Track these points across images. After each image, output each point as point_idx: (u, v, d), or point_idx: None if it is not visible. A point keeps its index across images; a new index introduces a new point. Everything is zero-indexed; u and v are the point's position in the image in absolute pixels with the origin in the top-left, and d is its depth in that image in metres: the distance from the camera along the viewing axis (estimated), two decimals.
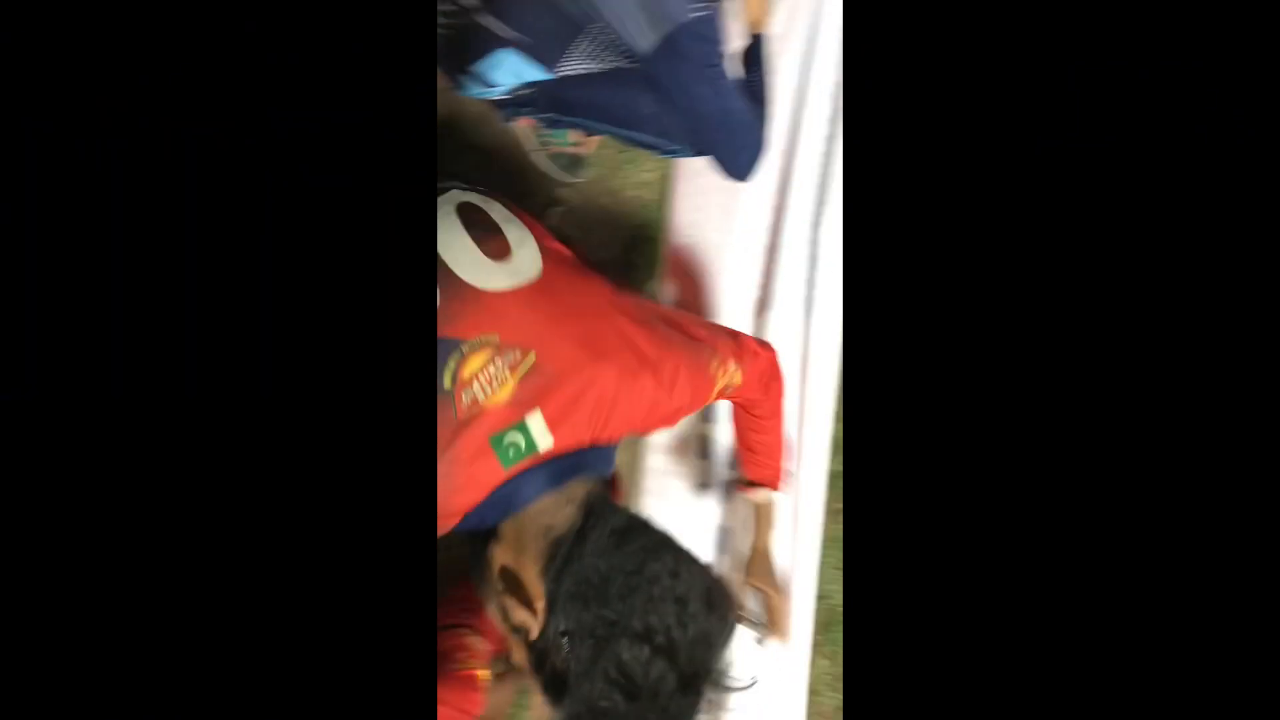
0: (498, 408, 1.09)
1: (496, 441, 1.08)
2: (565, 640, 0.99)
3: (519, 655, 1.06)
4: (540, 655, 1.02)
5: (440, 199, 1.24)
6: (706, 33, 1.33)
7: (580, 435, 1.13)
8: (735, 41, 1.55)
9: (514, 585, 1.06)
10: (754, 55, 1.58)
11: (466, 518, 1.10)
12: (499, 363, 1.09)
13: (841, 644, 1.93)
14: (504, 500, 1.09)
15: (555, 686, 0.99)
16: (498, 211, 1.25)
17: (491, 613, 1.11)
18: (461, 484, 1.08)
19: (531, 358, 1.10)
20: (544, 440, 1.10)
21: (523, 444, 1.09)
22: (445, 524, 1.09)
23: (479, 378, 1.08)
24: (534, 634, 1.02)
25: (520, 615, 1.03)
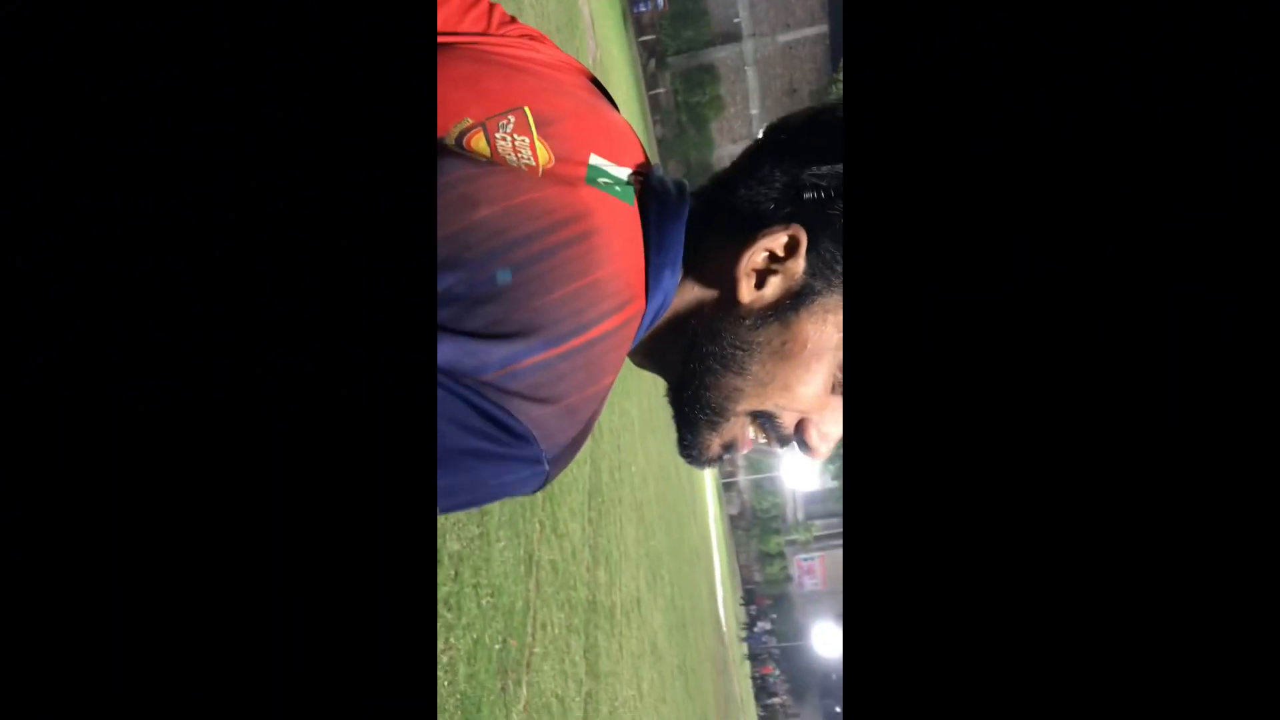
0: (553, 165, 0.85)
1: (595, 179, 0.85)
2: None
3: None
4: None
5: None
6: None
7: (637, 155, 0.92)
8: None
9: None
10: None
11: (650, 298, 0.85)
12: (503, 132, 0.86)
13: None
14: (669, 248, 0.86)
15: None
16: None
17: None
18: (623, 240, 0.83)
19: (526, 111, 0.87)
20: (621, 173, 0.87)
21: (612, 180, 0.86)
22: (629, 313, 0.83)
23: (505, 150, 0.85)
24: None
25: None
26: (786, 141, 0.87)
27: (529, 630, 4.50)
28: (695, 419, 0.89)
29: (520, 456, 0.78)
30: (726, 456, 0.94)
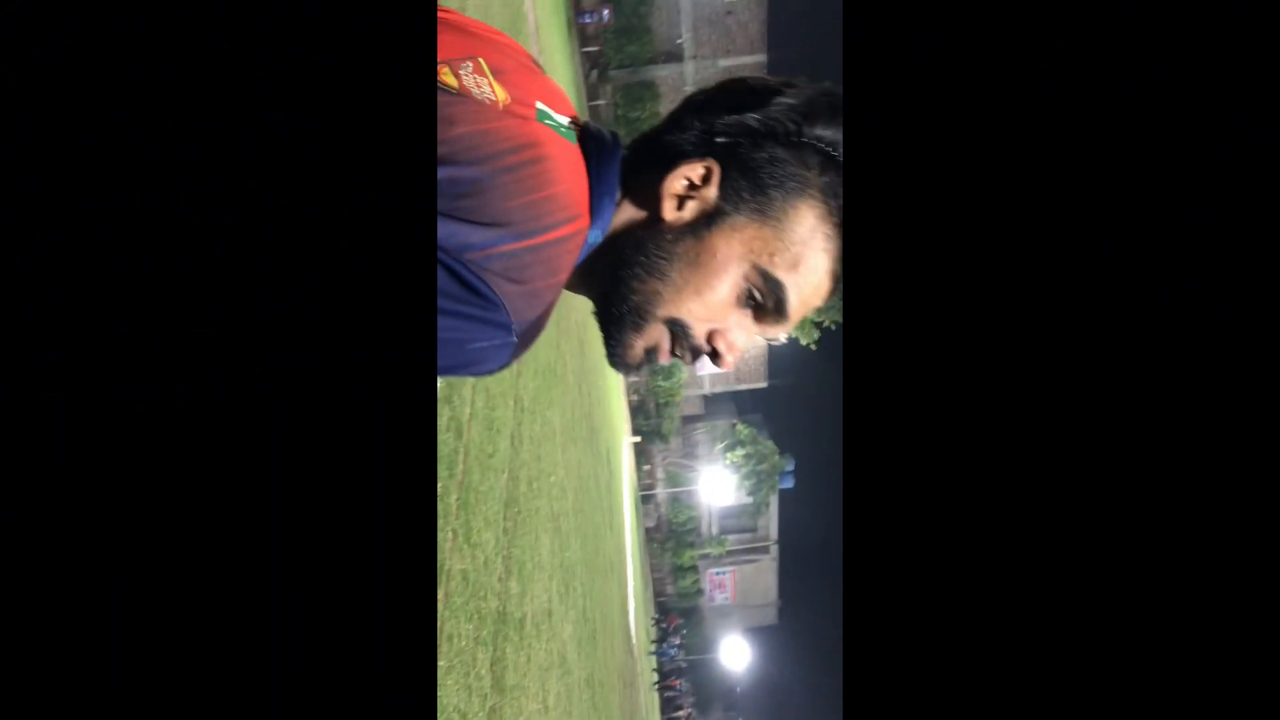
0: (509, 103, 0.98)
1: (543, 119, 0.99)
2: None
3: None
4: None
5: None
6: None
7: (573, 112, 1.08)
8: None
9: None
10: None
11: (594, 223, 1.01)
12: (465, 72, 0.97)
13: None
14: (607, 180, 1.03)
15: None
16: None
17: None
18: (569, 169, 0.98)
19: (481, 61, 1.00)
20: (564, 119, 1.04)
21: (556, 123, 1.01)
22: (577, 226, 0.98)
23: (470, 85, 0.97)
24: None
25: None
26: (703, 100, 1.07)
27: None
28: (622, 319, 1.05)
29: (495, 321, 0.92)
30: (648, 364, 1.09)
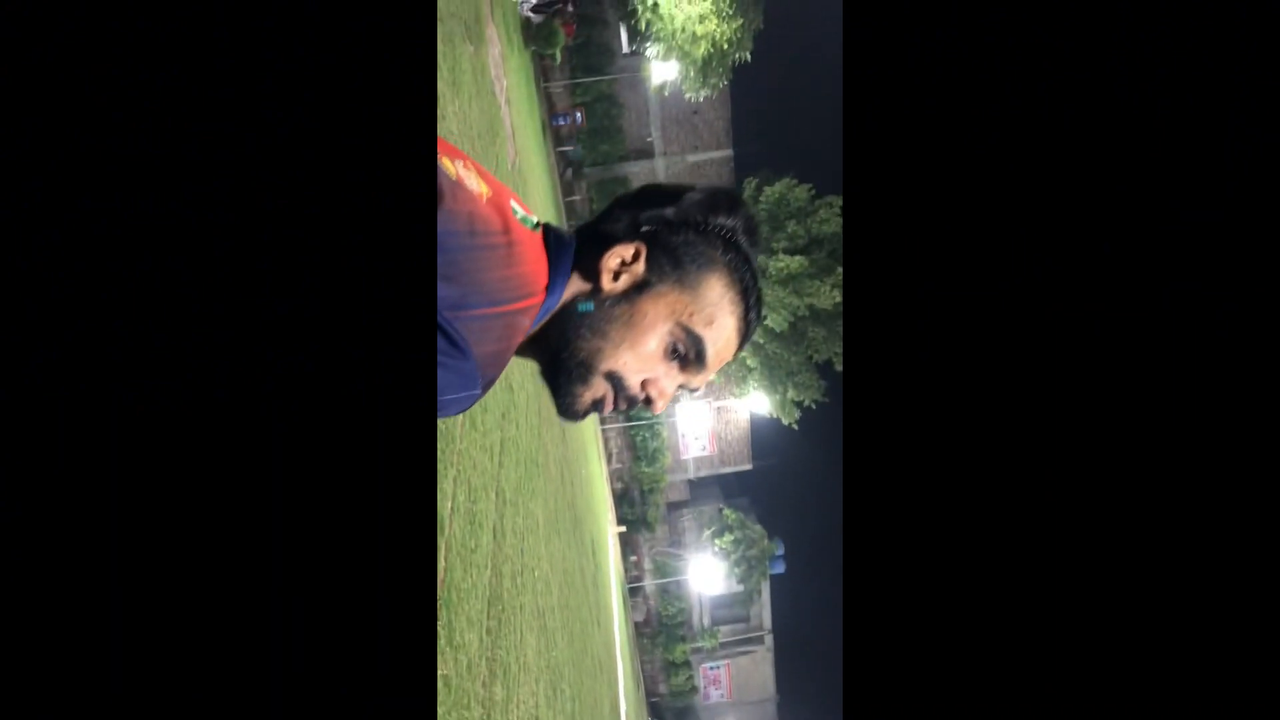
0: (491, 196, 1.13)
1: (515, 213, 1.16)
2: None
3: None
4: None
5: None
6: None
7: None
8: None
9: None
10: None
11: (546, 303, 1.19)
12: (460, 165, 1.11)
13: None
14: (562, 266, 1.22)
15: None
16: None
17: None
18: (533, 254, 1.15)
19: (473, 162, 1.16)
20: (532, 217, 1.22)
21: (525, 218, 1.19)
22: (536, 300, 1.16)
23: (463, 174, 1.12)
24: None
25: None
26: (630, 199, 1.32)
27: None
28: (571, 373, 1.23)
29: (464, 371, 1.03)
30: (595, 413, 1.28)
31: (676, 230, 1.25)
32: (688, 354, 1.24)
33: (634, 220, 1.28)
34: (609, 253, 1.24)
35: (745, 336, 1.29)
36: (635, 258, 1.24)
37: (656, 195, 1.31)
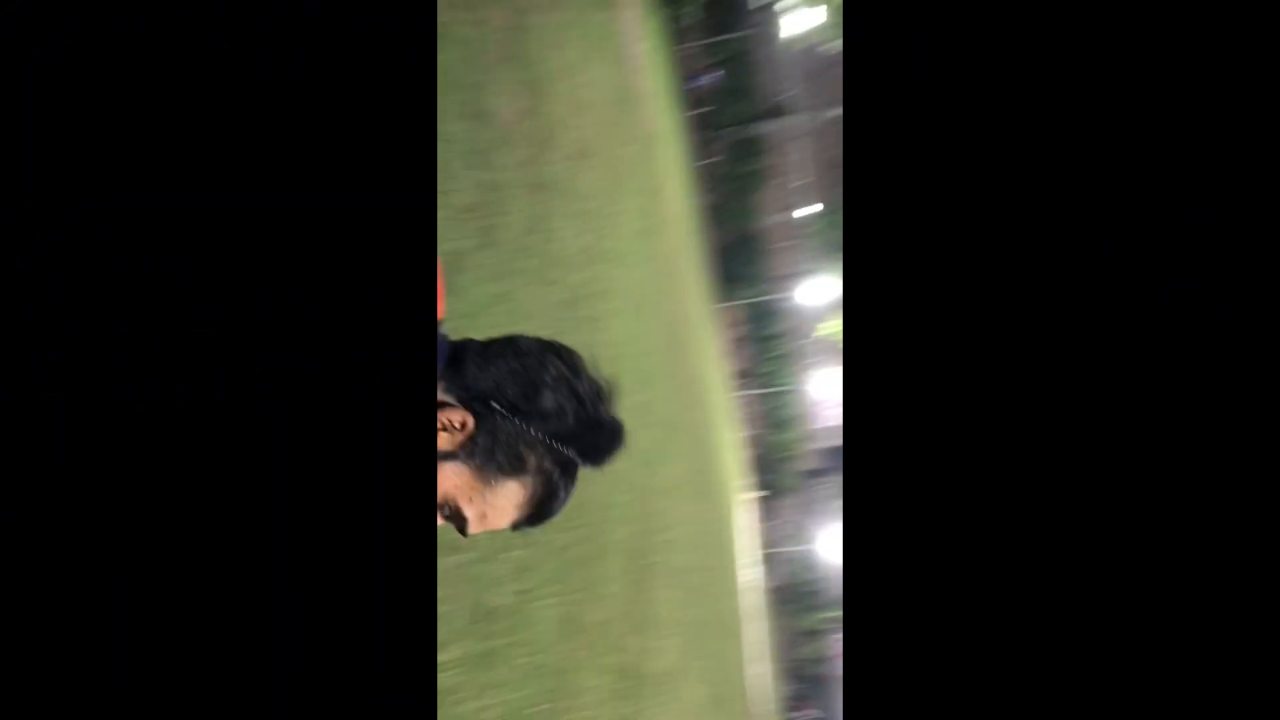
0: None
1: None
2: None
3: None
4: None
5: None
6: None
7: None
8: None
9: None
10: None
11: None
12: None
13: None
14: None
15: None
16: None
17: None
18: None
19: None
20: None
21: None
22: None
23: None
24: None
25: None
26: (485, 356, 1.20)
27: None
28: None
29: None
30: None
31: (505, 418, 1.17)
32: (450, 518, 1.19)
33: (469, 390, 1.19)
34: (441, 412, 1.16)
35: (516, 527, 1.22)
36: (462, 427, 1.16)
37: (511, 367, 1.20)
